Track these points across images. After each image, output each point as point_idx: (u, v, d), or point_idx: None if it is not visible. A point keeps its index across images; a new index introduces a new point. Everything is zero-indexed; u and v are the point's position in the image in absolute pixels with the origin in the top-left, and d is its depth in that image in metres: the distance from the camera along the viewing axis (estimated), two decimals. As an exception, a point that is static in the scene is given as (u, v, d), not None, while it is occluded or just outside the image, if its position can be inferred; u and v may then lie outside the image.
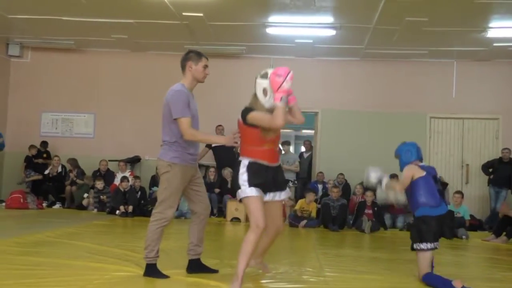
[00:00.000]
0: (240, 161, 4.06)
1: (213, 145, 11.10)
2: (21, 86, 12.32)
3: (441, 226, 4.58)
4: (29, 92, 12.25)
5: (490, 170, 10.79)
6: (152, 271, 4.24)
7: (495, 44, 10.16)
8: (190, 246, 4.45)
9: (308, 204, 9.45)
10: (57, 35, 11.14)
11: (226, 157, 10.80)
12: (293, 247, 7.01)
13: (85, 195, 10.84)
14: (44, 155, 11.74)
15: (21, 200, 10.29)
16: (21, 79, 12.33)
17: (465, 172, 11.56)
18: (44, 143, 11.83)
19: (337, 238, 8.00)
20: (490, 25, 9.12)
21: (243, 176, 3.97)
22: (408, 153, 5.01)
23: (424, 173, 4.72)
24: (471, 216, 9.74)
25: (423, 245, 4.55)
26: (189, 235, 4.49)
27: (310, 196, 9.52)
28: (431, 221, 4.53)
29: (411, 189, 4.71)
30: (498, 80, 11.55)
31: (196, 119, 4.41)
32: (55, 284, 3.87)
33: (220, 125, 11.13)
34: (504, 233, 8.24)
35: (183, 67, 4.50)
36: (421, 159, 5.00)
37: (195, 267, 4.45)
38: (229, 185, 10.60)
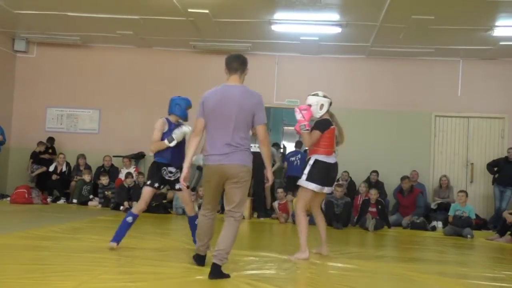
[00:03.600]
0: None
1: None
2: (26, 81, 12.35)
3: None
4: (34, 87, 12.29)
5: (495, 169, 10.75)
6: (219, 272, 4.12)
7: (501, 43, 10.11)
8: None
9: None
10: (63, 31, 11.16)
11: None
12: (296, 244, 7.00)
13: (90, 196, 10.83)
14: (50, 150, 11.77)
15: (26, 195, 10.34)
16: (27, 74, 12.36)
17: (470, 171, 11.52)
18: (51, 139, 11.86)
19: (341, 236, 7.99)
20: (497, 23, 9.08)
21: None
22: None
23: None
24: (476, 215, 9.71)
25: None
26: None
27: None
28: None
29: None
30: (504, 79, 11.49)
31: None
32: (60, 279, 3.88)
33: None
34: (509, 232, 8.22)
35: (242, 70, 4.41)
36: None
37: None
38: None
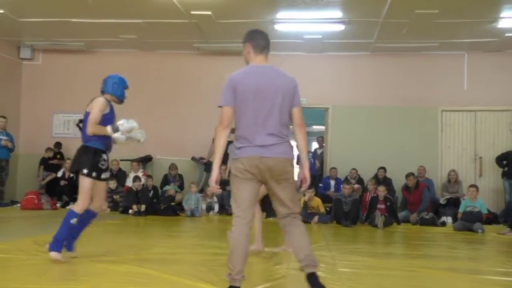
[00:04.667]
0: None
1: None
2: (33, 88, 12.43)
3: None
4: (40, 93, 12.36)
5: (504, 162, 10.67)
6: (319, 281, 3.50)
7: (506, 35, 10.06)
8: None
9: (310, 201, 9.40)
10: (67, 37, 11.22)
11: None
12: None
13: None
14: (58, 156, 11.84)
15: (36, 201, 10.41)
16: (33, 81, 12.43)
17: (479, 165, 11.46)
18: (58, 144, 11.93)
19: (350, 233, 7.98)
20: (501, 15, 9.02)
21: None
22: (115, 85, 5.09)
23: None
24: (487, 209, 9.64)
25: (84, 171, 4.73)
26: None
27: (308, 194, 9.45)
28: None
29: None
30: (510, 70, 11.41)
31: None
32: (69, 284, 3.89)
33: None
34: (519, 226, 8.17)
35: (269, 49, 3.79)
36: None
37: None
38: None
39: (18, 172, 12.22)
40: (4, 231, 7.21)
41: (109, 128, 4.76)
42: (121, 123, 4.86)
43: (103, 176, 4.80)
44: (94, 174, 4.68)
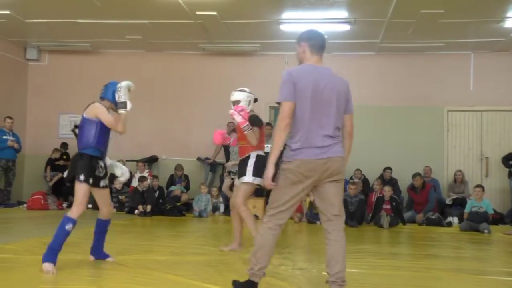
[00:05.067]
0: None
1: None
2: (39, 89, 12.48)
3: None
4: (47, 94, 12.42)
5: (511, 162, 10.62)
6: None
7: (513, 34, 10.02)
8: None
9: (314, 202, 9.38)
10: (74, 38, 11.27)
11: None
12: (311, 243, 7.00)
13: None
14: (64, 157, 11.88)
15: (42, 201, 10.46)
16: (39, 82, 12.49)
17: (485, 165, 11.41)
18: (65, 145, 11.98)
19: (356, 233, 7.97)
20: (508, 14, 8.98)
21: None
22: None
23: None
24: (493, 210, 9.61)
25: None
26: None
27: (313, 194, 9.42)
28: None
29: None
30: (516, 70, 11.37)
31: None
32: (75, 284, 3.90)
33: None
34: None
35: (324, 51, 3.78)
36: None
37: None
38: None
39: (25, 173, 12.27)
40: (11, 232, 7.25)
41: (123, 111, 4.64)
42: (121, 85, 4.74)
43: (102, 184, 4.62)
44: (90, 180, 4.45)
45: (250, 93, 5.85)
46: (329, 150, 3.40)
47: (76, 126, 4.82)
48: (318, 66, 3.59)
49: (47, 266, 4.19)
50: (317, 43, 3.66)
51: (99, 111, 4.55)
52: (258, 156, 5.56)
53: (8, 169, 10.69)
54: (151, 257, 5.15)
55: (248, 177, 5.50)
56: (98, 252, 4.84)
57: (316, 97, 3.41)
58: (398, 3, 8.38)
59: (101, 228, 4.84)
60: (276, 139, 3.40)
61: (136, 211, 9.92)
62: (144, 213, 9.77)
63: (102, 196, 4.73)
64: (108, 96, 4.76)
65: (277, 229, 3.46)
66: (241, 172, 5.58)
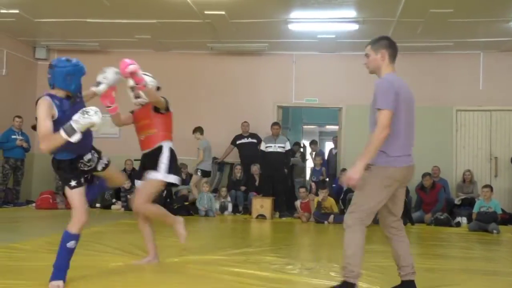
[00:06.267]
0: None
1: (237, 142, 11.16)
2: (48, 88, 12.51)
3: None
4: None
5: (520, 162, 10.58)
6: None
7: (522, 34, 9.95)
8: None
9: (324, 201, 9.37)
10: (82, 37, 11.32)
11: (251, 154, 10.85)
12: (319, 243, 6.99)
13: (113, 200, 10.94)
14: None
15: (50, 201, 10.52)
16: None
17: (494, 165, 11.34)
18: (73, 144, 12.02)
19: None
20: (517, 14, 8.94)
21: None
22: None
23: None
24: (502, 210, 9.55)
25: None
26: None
27: (321, 193, 9.43)
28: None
29: None
30: (526, 70, 11.28)
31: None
32: (81, 284, 3.91)
33: (245, 122, 11.13)
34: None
35: None
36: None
37: None
38: (257, 183, 10.65)
39: (34, 172, 12.34)
40: (20, 231, 7.30)
41: (64, 135, 3.49)
42: (76, 119, 3.50)
43: (99, 168, 4.08)
44: (82, 180, 3.90)
45: (152, 78, 4.95)
46: (412, 158, 3.68)
47: (33, 127, 3.96)
48: (396, 75, 3.73)
49: (54, 284, 3.71)
50: (394, 52, 3.82)
51: (38, 112, 3.62)
52: (171, 150, 4.73)
53: (17, 168, 10.75)
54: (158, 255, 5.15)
55: (162, 174, 4.53)
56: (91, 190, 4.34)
57: (408, 108, 3.63)
58: (407, 3, 8.35)
59: (100, 188, 4.46)
60: (375, 147, 3.45)
61: (144, 210, 9.92)
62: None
63: (108, 172, 4.25)
64: (62, 84, 3.90)
65: (365, 231, 3.62)
66: (150, 167, 4.58)
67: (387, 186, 3.52)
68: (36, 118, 3.63)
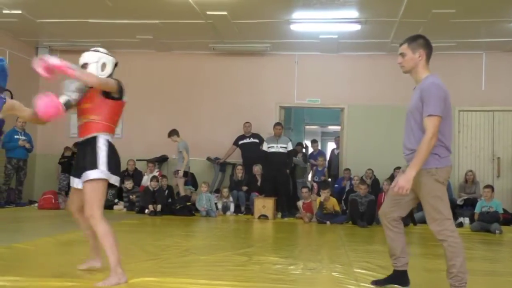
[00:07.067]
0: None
1: (240, 143, 11.17)
2: (50, 89, 12.52)
3: None
4: (58, 94, 12.46)
5: (523, 163, 10.56)
6: None
7: (525, 34, 9.94)
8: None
9: (326, 202, 9.37)
10: (84, 38, 11.32)
11: (253, 155, 10.85)
12: (321, 243, 6.98)
13: (116, 200, 10.95)
14: (75, 156, 11.94)
15: (53, 201, 10.53)
16: (51, 81, 12.54)
17: (496, 165, 11.33)
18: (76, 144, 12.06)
19: (366, 234, 7.93)
20: (520, 14, 8.93)
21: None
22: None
23: None
24: (504, 210, 9.55)
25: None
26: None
27: (323, 194, 9.42)
28: None
29: None
30: (529, 70, 11.27)
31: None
32: (85, 283, 3.92)
33: (247, 122, 11.13)
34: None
35: None
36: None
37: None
38: (259, 183, 10.65)
39: (36, 172, 12.37)
40: (23, 231, 7.31)
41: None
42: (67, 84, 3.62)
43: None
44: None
45: (107, 54, 4.29)
46: None
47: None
48: None
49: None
50: (430, 52, 3.84)
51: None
52: (109, 144, 4.08)
53: (19, 168, 10.77)
54: (160, 256, 5.15)
55: (101, 172, 3.87)
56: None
57: (450, 111, 3.65)
58: (409, 3, 8.35)
59: None
60: (425, 154, 3.45)
61: (146, 211, 9.95)
62: (154, 213, 9.80)
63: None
64: None
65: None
66: (89, 162, 3.90)
67: (444, 185, 3.61)
68: None
